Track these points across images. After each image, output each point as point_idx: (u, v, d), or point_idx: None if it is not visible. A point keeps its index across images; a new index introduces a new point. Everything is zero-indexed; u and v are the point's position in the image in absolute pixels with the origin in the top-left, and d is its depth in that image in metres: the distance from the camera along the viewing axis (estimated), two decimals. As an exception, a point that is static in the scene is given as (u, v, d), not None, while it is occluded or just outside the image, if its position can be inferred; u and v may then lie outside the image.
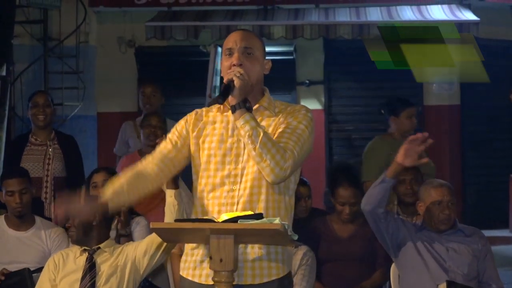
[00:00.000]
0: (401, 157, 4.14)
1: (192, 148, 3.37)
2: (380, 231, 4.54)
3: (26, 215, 4.96)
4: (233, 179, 3.27)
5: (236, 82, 3.18)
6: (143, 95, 6.70)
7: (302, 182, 5.11)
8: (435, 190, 4.60)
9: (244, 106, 3.20)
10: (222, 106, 3.37)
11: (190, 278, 3.31)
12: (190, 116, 3.44)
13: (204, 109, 3.46)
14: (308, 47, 10.18)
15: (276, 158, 3.16)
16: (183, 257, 3.39)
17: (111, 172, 4.89)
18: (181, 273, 3.38)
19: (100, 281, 4.15)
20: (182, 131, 3.42)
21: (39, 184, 5.61)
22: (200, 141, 3.36)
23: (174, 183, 3.87)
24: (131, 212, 4.92)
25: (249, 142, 3.16)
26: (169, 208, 3.93)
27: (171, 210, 3.92)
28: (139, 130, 6.26)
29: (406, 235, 4.57)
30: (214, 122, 3.37)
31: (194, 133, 3.38)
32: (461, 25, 9.30)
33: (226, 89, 3.21)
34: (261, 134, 3.17)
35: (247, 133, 3.16)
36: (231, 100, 3.21)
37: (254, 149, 3.15)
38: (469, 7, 9.83)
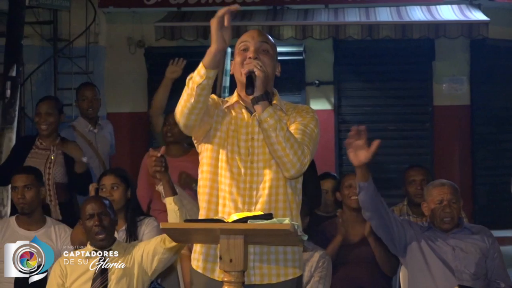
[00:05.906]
0: (354, 159, 3.95)
1: (211, 134, 3.31)
2: (387, 228, 4.49)
3: (34, 214, 4.96)
4: (249, 177, 3.25)
5: (258, 73, 3.14)
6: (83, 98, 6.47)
7: None
8: (436, 189, 4.59)
9: (267, 98, 3.17)
10: (234, 103, 3.36)
11: (200, 271, 3.30)
12: (218, 101, 3.38)
13: (222, 99, 3.42)
14: (317, 47, 10.17)
15: (298, 153, 3.15)
16: (194, 247, 3.35)
17: (120, 175, 4.89)
18: (191, 264, 3.36)
19: (111, 282, 4.15)
20: (216, 106, 3.35)
21: None
22: (217, 133, 3.31)
23: (171, 189, 3.89)
24: (141, 213, 4.92)
25: (273, 135, 3.12)
26: (171, 215, 3.94)
27: (174, 217, 3.92)
28: (79, 134, 6.26)
29: (412, 235, 4.55)
30: (230, 118, 3.35)
31: (216, 119, 3.33)
32: (471, 25, 9.28)
33: (250, 80, 3.15)
34: (285, 128, 3.15)
35: (272, 127, 3.12)
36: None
37: (278, 142, 3.12)
38: (479, 7, 9.79)
